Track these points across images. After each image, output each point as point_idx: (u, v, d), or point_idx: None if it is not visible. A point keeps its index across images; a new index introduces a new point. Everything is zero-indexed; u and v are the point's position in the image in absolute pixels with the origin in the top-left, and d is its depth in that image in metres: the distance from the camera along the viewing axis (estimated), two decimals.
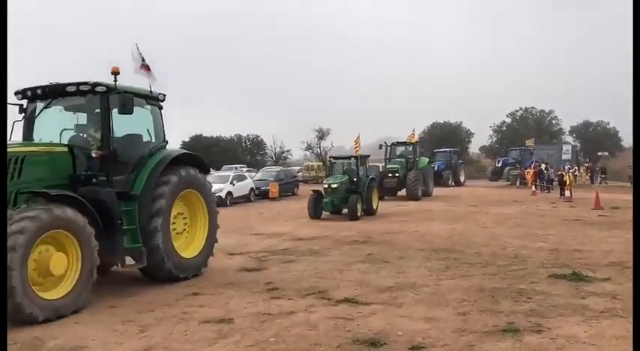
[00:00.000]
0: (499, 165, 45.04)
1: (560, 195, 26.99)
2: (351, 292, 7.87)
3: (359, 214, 18.86)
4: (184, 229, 9.38)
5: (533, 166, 34.55)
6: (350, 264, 10.24)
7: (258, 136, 66.53)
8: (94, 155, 7.95)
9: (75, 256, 7.05)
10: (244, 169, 42.58)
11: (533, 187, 31.32)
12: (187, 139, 61.35)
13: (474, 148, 66.56)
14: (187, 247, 9.31)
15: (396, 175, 27.74)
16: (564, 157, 42.97)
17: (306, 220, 18.90)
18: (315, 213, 19.41)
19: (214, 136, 63.31)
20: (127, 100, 7.89)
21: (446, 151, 40.75)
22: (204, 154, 56.12)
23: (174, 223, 8.95)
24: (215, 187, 26.47)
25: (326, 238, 14.26)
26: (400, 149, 30.96)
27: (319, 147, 62.44)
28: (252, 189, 29.55)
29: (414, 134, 31.28)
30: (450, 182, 37.10)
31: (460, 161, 41.72)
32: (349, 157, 21.58)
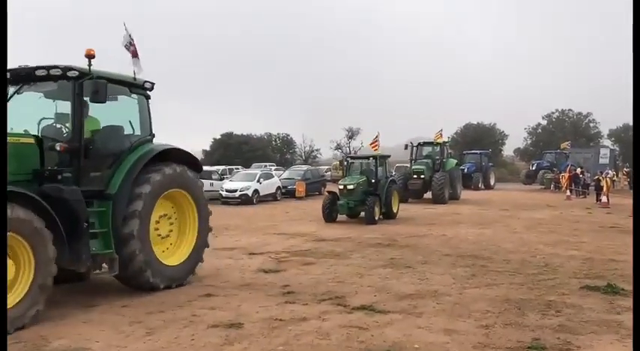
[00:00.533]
0: (533, 168, 43.82)
1: (597, 200, 26.04)
2: (368, 299, 7.53)
3: (377, 217, 17.72)
4: (170, 233, 8.48)
5: (568, 169, 33.47)
6: (371, 268, 9.89)
7: (288, 135, 66.63)
8: (58, 148, 7.07)
9: (27, 263, 6.18)
10: (273, 168, 42.55)
11: (568, 191, 30.36)
12: (218, 137, 61.92)
13: (507, 150, 65.12)
14: (173, 252, 8.48)
15: (421, 176, 26.29)
16: (602, 161, 41.58)
17: (331, 221, 18.34)
18: (329, 216, 18.13)
19: (245, 133, 63.55)
20: (100, 86, 7.04)
21: (476, 153, 39.71)
22: (235, 151, 57.02)
23: (157, 228, 8.12)
24: (242, 184, 27.02)
25: (349, 239, 13.93)
26: (427, 150, 29.31)
27: (349, 146, 62.19)
28: (278, 187, 29.41)
29: (440, 134, 29.25)
30: (480, 185, 36.18)
31: (490, 164, 40.50)
32: (367, 157, 20.12)
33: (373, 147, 21.35)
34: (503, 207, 23.47)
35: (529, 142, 63.69)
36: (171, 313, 6.85)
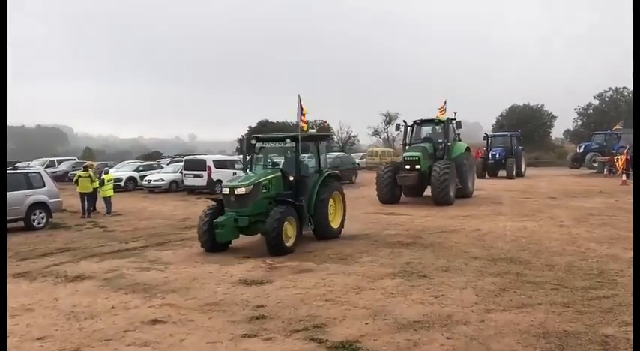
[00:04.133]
0: (580, 151, 40.30)
1: None
2: (356, 329, 5.67)
3: (289, 243, 10.31)
4: None
5: (625, 152, 30.32)
6: (376, 279, 7.99)
7: (325, 122, 64.71)
8: None
9: None
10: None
11: (624, 175, 27.40)
12: (254, 125, 60.71)
13: (556, 132, 61.30)
14: None
15: (416, 166, 18.99)
16: None
17: (359, 213, 15.66)
18: (208, 241, 10.52)
19: (280, 121, 62.08)
20: None
21: (505, 136, 35.73)
22: None
23: None
24: None
25: (367, 237, 12.02)
26: (426, 130, 21.59)
27: (387, 132, 60.04)
28: None
29: (444, 108, 21.39)
30: (512, 173, 32.27)
31: (521, 147, 36.01)
32: (284, 139, 11.67)
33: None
34: (550, 195, 21.00)
35: (579, 123, 59.76)
36: None
